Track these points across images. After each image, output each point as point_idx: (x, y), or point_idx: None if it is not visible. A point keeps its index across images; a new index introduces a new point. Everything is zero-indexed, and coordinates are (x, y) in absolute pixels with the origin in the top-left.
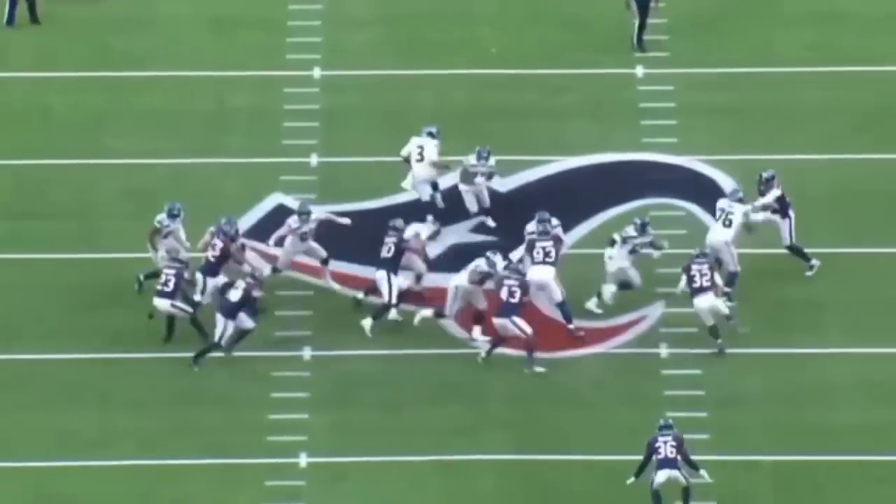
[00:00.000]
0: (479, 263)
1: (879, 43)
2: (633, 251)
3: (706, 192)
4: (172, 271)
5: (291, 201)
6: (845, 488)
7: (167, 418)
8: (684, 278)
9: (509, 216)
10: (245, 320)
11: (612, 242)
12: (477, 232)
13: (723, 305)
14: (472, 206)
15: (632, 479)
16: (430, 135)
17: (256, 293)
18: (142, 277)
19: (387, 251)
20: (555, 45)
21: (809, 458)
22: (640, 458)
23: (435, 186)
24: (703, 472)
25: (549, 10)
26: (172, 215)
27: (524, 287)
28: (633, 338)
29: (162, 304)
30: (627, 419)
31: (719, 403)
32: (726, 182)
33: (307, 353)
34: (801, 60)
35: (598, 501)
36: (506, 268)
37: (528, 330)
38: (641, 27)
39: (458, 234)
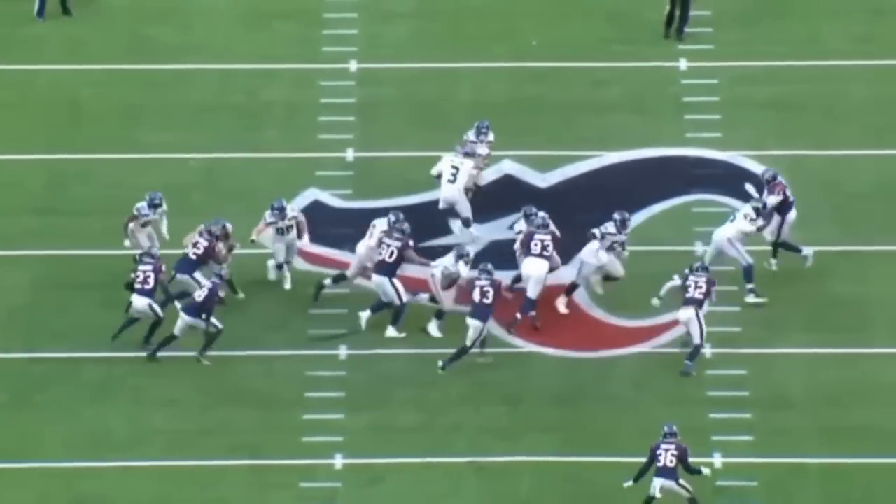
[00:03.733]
0: (447, 264)
1: None
2: (610, 248)
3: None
4: (149, 267)
5: (328, 197)
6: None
7: (199, 418)
8: (672, 283)
9: (550, 213)
10: (215, 323)
11: (592, 237)
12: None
13: (696, 327)
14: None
15: (629, 483)
16: (468, 155)
17: (221, 293)
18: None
19: (388, 255)
20: (597, 37)
21: (858, 460)
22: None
23: (467, 223)
24: (704, 469)
25: (590, 2)
26: (153, 205)
27: (496, 287)
28: (676, 337)
29: (140, 302)
30: (669, 419)
31: (764, 404)
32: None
33: (343, 352)
34: (848, 54)
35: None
36: (476, 268)
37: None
38: (683, 19)
39: (497, 230)
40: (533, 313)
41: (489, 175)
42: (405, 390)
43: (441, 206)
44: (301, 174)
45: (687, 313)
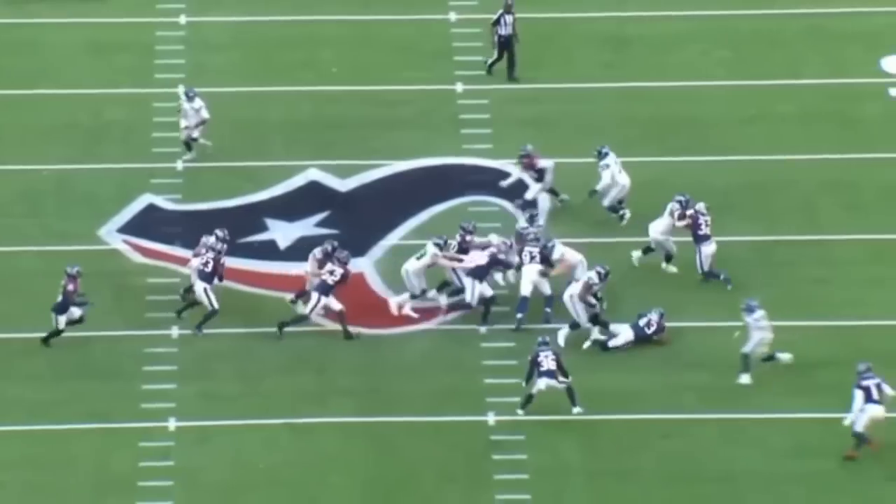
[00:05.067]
0: (590, 276)
1: (663, 61)
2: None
3: (517, 191)
4: (211, 255)
5: (161, 201)
6: (638, 443)
7: (55, 390)
8: (678, 220)
9: (349, 212)
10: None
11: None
12: (321, 226)
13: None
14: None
15: (524, 384)
16: (188, 95)
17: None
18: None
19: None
20: (387, 65)
21: (607, 416)
22: (456, 417)
23: (188, 146)
24: (569, 379)
25: (382, 35)
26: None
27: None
28: (456, 316)
29: (198, 286)
30: (451, 385)
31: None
32: (532, 182)
33: (175, 331)
34: (596, 77)
35: (428, 456)
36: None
37: None
38: (512, 63)
39: (304, 227)
40: (547, 310)
41: (297, 182)
42: (228, 363)
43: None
44: (138, 182)
45: (711, 247)
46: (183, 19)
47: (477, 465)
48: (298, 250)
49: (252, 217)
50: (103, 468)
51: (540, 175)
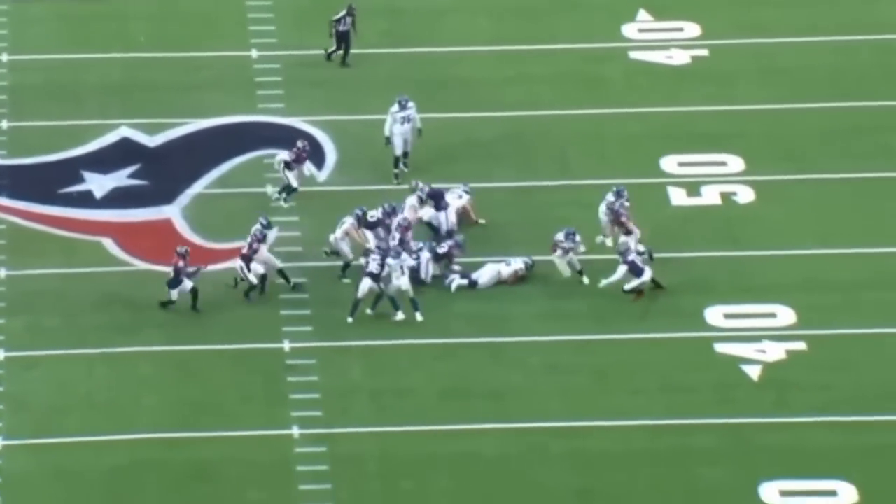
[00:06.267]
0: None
1: (435, 28)
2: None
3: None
4: (252, 239)
5: None
6: (414, 364)
7: None
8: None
9: (158, 167)
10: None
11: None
12: (133, 177)
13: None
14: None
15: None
16: None
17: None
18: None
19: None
20: (189, 35)
21: (391, 342)
22: (255, 345)
23: None
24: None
25: (181, 9)
26: (264, 225)
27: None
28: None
29: (236, 263)
30: (251, 316)
31: (321, 304)
32: (322, 136)
33: (2, 272)
34: (375, 44)
35: (231, 379)
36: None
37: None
38: (346, 52)
39: (117, 179)
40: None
41: (110, 138)
42: (50, 300)
43: None
44: None
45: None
46: None
47: (274, 387)
48: (112, 200)
49: (70, 170)
50: None
51: (290, 167)
